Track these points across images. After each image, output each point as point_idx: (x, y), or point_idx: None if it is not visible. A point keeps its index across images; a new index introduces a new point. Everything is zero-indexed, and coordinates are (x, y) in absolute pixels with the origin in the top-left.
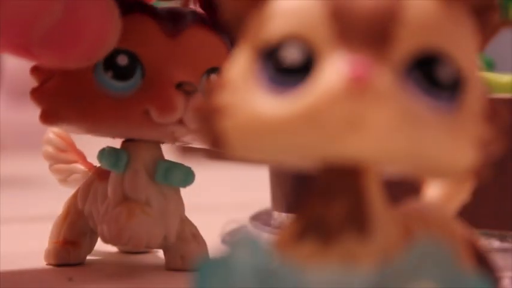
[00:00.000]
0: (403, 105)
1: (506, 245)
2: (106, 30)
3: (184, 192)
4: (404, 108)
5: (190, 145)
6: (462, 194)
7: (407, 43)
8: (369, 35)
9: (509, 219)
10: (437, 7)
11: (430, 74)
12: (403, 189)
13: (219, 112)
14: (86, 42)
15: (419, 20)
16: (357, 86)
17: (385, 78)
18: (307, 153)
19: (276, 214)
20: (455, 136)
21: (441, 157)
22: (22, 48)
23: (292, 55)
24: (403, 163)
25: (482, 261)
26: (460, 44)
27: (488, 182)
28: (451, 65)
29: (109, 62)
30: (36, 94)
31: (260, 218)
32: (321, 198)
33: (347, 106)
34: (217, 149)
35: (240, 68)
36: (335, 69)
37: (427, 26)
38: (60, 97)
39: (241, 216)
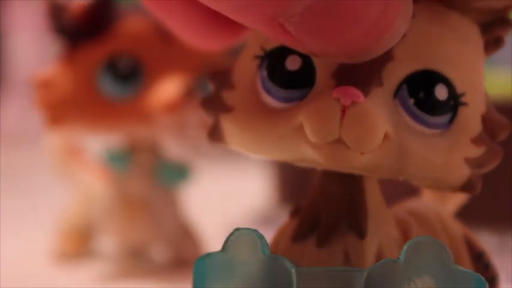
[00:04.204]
0: (387, 126)
1: (503, 241)
2: (392, 13)
3: (184, 192)
4: (390, 129)
5: (193, 142)
6: (460, 194)
7: (404, 64)
8: None
9: (506, 216)
10: (439, 27)
11: (425, 94)
12: (401, 188)
13: (223, 111)
14: (361, 26)
15: (416, 42)
16: (342, 109)
17: (375, 99)
18: (300, 162)
19: (275, 213)
20: (445, 155)
21: (427, 174)
22: (273, 24)
23: (291, 62)
24: (389, 177)
25: (479, 258)
26: (459, 64)
27: (485, 179)
28: (447, 86)
29: (111, 67)
30: (41, 101)
31: (259, 217)
32: (318, 198)
33: (330, 128)
34: (216, 138)
35: (242, 73)
36: (326, 87)
37: (425, 48)
38: (65, 104)
39: (241, 216)
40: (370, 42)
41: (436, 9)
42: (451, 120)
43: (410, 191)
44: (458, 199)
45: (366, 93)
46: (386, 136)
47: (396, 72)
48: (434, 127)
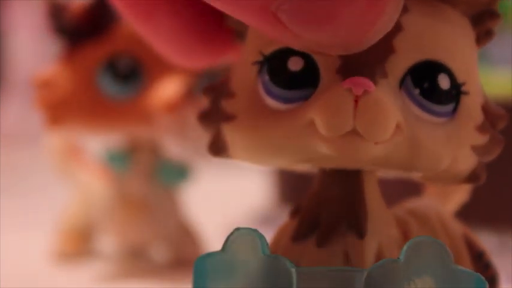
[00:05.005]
0: (399, 116)
1: (503, 241)
2: (379, 7)
3: (184, 192)
4: (402, 119)
5: (193, 142)
6: (462, 193)
7: (406, 56)
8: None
9: (506, 216)
10: (435, 20)
11: (430, 83)
12: (401, 188)
13: (224, 120)
14: (352, 13)
15: (415, 34)
16: (354, 99)
17: (384, 88)
18: (306, 163)
19: (275, 213)
20: (452, 144)
21: (437, 164)
22: (267, 15)
23: (293, 64)
24: (399, 170)
25: (479, 258)
26: (457, 55)
27: (485, 179)
28: (448, 75)
29: (111, 67)
30: (41, 101)
31: (259, 217)
32: (318, 198)
33: (344, 118)
34: (219, 151)
35: (241, 80)
36: (333, 82)
37: (424, 40)
38: (65, 104)
39: (241, 216)
40: (362, 30)
41: (429, 3)
42: (455, 110)
43: (410, 191)
44: (458, 198)
45: (374, 83)
46: (398, 126)
47: (399, 64)
48: (441, 116)
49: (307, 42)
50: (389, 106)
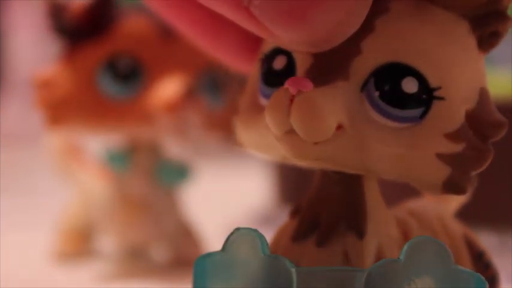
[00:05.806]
0: (340, 117)
1: (503, 241)
2: (347, 7)
3: (184, 192)
4: (345, 120)
5: (193, 142)
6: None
7: (372, 58)
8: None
9: (506, 216)
10: (415, 22)
11: (391, 87)
12: (401, 188)
13: (236, 110)
14: (319, 10)
15: (386, 36)
16: (290, 98)
17: (332, 90)
18: (285, 157)
19: (275, 213)
20: (410, 149)
21: (390, 168)
22: (241, 9)
23: (277, 62)
24: (354, 171)
25: (479, 258)
26: (435, 58)
27: (485, 179)
28: (417, 79)
29: (111, 67)
30: (41, 101)
31: (259, 217)
32: (318, 198)
33: (281, 117)
34: (232, 142)
35: (251, 78)
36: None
37: (395, 42)
38: (65, 103)
39: (241, 216)
40: (330, 28)
41: (417, 5)
42: (424, 114)
43: (410, 191)
44: (458, 199)
45: (323, 84)
46: (340, 127)
47: (364, 66)
48: (401, 120)
49: (280, 38)
50: (322, 107)
